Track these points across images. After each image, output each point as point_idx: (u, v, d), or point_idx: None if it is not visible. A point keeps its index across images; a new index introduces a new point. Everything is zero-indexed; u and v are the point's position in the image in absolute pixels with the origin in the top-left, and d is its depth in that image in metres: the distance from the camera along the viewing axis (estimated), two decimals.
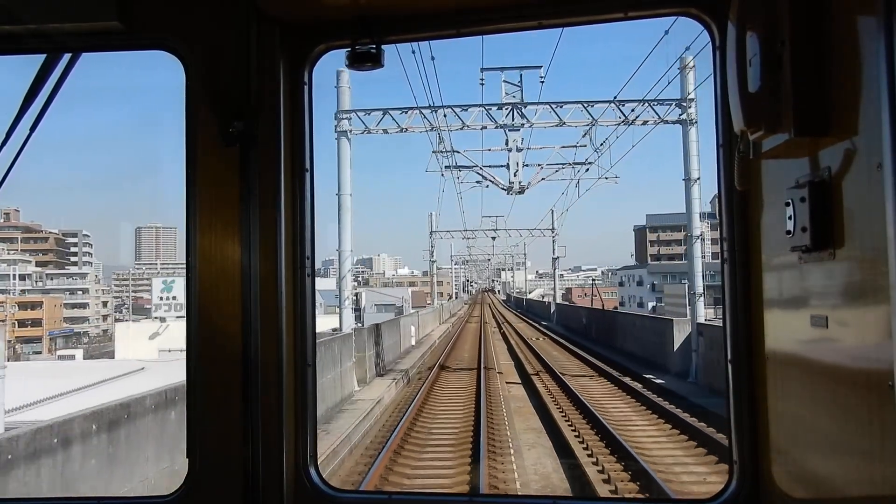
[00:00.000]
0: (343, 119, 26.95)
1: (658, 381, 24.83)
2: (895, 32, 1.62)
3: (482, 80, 27.82)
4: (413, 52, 20.65)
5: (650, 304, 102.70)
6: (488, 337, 47.90)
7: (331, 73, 26.60)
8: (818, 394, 2.07)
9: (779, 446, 2.37)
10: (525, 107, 28.25)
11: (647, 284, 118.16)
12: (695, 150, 25.87)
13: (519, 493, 12.50)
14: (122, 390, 19.12)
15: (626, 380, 25.36)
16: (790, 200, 2.07)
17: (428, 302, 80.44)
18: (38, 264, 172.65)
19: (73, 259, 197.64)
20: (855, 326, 1.89)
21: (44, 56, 2.68)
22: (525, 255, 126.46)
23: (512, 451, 15.55)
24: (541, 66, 28.12)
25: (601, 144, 30.01)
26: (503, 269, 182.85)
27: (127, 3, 2.62)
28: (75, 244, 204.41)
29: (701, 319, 25.50)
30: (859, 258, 1.84)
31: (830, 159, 1.93)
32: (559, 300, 76.08)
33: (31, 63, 2.68)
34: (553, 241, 68.52)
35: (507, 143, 29.34)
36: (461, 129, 28.29)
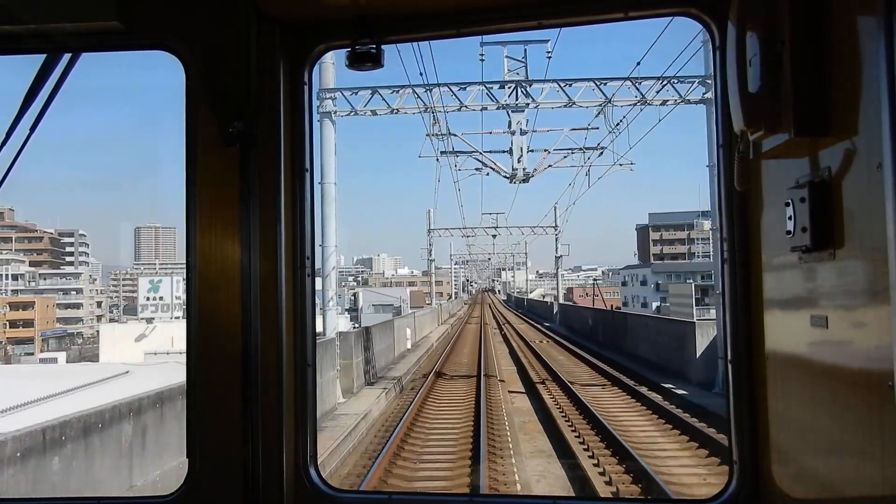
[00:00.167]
0: (326, 99, 23.90)
1: (680, 391, 22.29)
2: (895, 32, 1.64)
3: (482, 55, 24.66)
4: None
5: (654, 304, 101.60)
6: (489, 339, 45.56)
7: None
8: (818, 394, 2.09)
9: (779, 446, 2.40)
10: (530, 85, 25.05)
11: (650, 284, 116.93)
12: None
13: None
14: (99, 397, 16.95)
15: (643, 390, 22.77)
16: (790, 200, 2.10)
17: (427, 302, 79.85)
18: (32, 264, 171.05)
19: (69, 259, 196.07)
20: (855, 326, 1.92)
21: (44, 56, 2.74)
22: (526, 254, 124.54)
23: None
24: (547, 41, 25.03)
25: (617, 125, 26.51)
26: (503, 269, 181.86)
27: (127, 3, 2.68)
28: (71, 244, 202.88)
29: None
30: (859, 258, 1.86)
31: (830, 159, 1.96)
32: (561, 300, 73.79)
33: (31, 63, 2.77)
34: (556, 239, 66.32)
35: (509, 126, 26.08)
36: (459, 109, 25.14)
